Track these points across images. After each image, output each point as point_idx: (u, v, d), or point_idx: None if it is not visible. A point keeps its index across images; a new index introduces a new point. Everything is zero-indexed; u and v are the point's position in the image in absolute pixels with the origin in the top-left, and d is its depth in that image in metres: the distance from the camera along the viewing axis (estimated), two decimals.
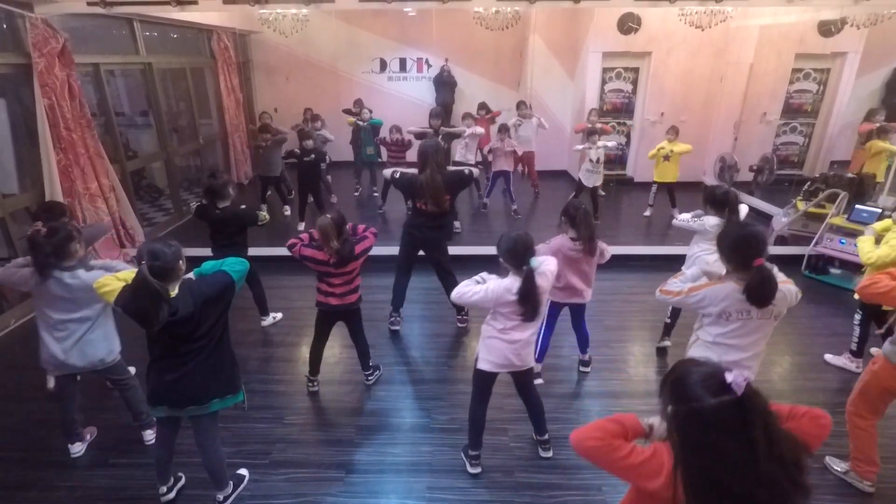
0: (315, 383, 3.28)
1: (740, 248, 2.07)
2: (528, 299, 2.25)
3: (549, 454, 2.71)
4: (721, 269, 2.76)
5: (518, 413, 2.81)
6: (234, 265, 2.21)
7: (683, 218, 3.40)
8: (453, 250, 4.09)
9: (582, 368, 3.46)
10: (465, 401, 3.08)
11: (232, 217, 3.64)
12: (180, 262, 2.09)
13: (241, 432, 2.93)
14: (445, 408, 3.13)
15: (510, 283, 2.29)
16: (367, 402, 3.21)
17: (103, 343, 2.63)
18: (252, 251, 3.82)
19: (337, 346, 3.34)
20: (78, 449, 2.78)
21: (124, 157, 5.70)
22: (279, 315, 4.15)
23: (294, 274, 4.45)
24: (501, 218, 6.74)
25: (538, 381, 3.23)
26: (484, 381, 2.54)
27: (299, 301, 4.40)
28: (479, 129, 6.55)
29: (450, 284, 3.85)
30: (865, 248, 3.14)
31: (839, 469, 2.61)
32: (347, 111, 7.33)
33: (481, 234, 6.18)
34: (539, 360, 3.28)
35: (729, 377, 1.07)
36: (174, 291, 2.04)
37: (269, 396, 3.27)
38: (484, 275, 2.42)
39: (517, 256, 2.26)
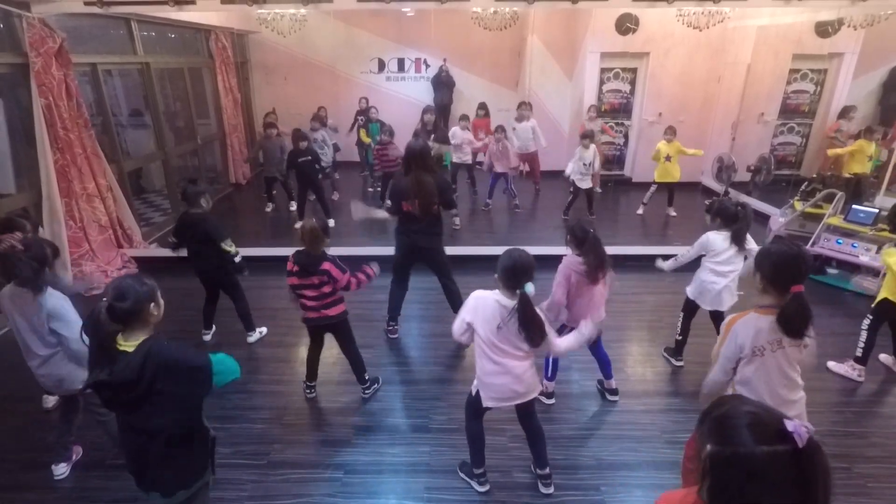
0: (312, 390, 3.26)
1: (785, 268, 1.86)
2: (528, 323, 2.12)
3: (550, 490, 2.51)
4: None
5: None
6: (225, 368, 1.74)
7: (669, 265, 3.42)
8: (452, 251, 4.07)
9: (610, 397, 3.19)
10: (463, 401, 3.08)
11: (200, 221, 3.43)
12: (151, 304, 1.67)
13: (240, 433, 2.93)
14: (444, 408, 3.13)
15: (497, 296, 2.18)
16: (365, 403, 3.20)
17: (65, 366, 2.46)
18: (252, 251, 3.79)
19: (334, 347, 3.33)
20: (62, 470, 2.64)
21: (122, 156, 5.69)
22: (264, 330, 3.97)
23: None
24: (502, 217, 6.75)
25: (549, 402, 3.14)
26: (476, 406, 2.40)
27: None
28: (468, 136, 6.68)
29: (453, 295, 3.82)
30: None
31: None
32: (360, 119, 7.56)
33: (481, 234, 6.19)
34: (551, 378, 3.15)
35: (790, 426, 0.95)
36: (131, 344, 1.62)
37: (268, 397, 3.27)
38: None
39: (512, 277, 2.12)
